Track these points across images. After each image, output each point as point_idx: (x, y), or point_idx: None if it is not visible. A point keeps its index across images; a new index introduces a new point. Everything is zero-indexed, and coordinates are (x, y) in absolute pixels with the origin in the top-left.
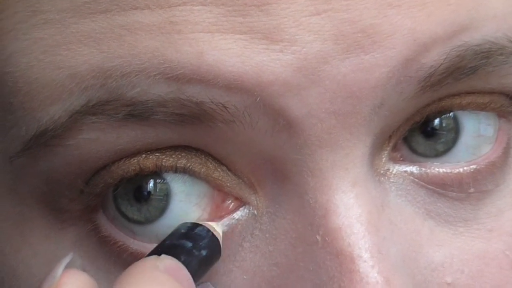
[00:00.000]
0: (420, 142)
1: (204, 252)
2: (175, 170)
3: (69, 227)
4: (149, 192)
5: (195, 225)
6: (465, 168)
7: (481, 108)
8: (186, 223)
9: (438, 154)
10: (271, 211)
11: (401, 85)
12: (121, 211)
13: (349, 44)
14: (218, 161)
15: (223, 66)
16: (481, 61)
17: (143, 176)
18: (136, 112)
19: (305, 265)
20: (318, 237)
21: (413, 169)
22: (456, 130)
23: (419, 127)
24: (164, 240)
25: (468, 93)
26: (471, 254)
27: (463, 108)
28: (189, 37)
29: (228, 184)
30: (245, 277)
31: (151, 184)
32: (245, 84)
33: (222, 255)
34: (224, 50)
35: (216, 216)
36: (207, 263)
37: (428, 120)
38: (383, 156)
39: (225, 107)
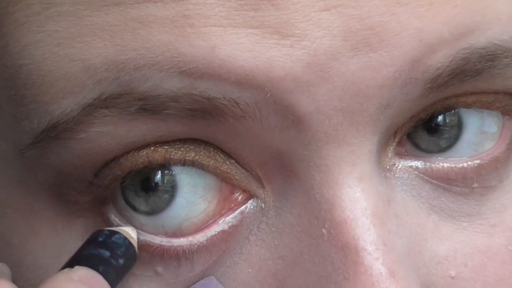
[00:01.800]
0: (423, 138)
1: (121, 261)
2: (184, 163)
3: (77, 219)
4: (156, 183)
5: (112, 233)
6: (469, 162)
7: (486, 106)
8: (103, 230)
9: (441, 150)
10: (278, 206)
11: (407, 87)
12: (129, 202)
13: (357, 41)
14: (227, 154)
15: (235, 61)
16: (486, 64)
17: (151, 168)
18: (148, 106)
19: (310, 258)
20: (323, 230)
21: (418, 163)
22: (458, 127)
23: (423, 123)
24: (81, 249)
25: (473, 93)
26: (474, 248)
27: (468, 106)
28: (202, 31)
29: (237, 177)
30: (250, 270)
31: (158, 175)
32: (256, 79)
33: (228, 247)
34: (236, 44)
35: (224, 208)
36: (124, 271)
37: (432, 117)
38: (389, 152)
39: (236, 103)
